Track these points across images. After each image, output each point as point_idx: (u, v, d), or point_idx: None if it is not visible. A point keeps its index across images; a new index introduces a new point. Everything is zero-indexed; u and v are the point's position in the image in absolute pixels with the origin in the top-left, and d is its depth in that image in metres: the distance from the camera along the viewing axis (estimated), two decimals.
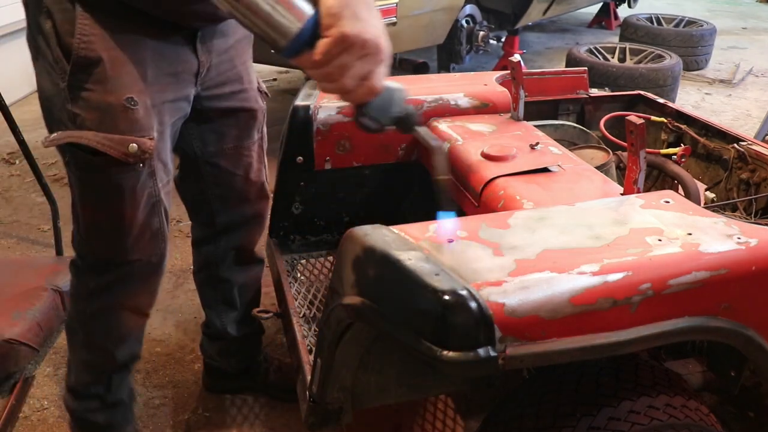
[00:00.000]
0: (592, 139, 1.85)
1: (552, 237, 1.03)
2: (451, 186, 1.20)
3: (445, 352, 0.86)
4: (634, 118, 1.23)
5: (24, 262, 2.56)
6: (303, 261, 1.91)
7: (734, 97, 5.13)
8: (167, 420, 1.91)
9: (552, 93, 2.03)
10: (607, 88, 2.57)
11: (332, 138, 1.76)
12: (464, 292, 0.87)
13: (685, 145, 1.86)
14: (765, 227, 1.08)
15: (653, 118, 1.96)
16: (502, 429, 1.09)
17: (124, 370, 1.61)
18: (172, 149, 1.45)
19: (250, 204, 1.69)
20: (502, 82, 1.90)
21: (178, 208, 3.03)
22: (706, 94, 5.19)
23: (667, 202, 1.16)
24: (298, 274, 1.87)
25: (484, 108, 1.81)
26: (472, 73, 2.16)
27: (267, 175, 1.71)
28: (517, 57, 1.73)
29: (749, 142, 1.73)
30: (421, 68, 4.18)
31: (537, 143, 1.56)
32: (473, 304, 0.86)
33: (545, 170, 1.44)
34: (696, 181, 1.76)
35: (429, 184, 1.74)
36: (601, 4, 7.09)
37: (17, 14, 4.68)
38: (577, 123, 1.98)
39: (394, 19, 3.51)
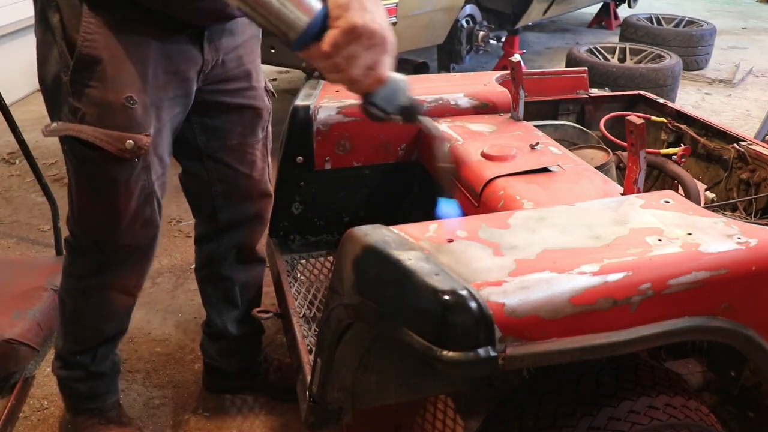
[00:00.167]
0: (592, 139, 1.85)
1: (552, 237, 1.03)
2: (453, 174, 1.22)
3: (444, 352, 0.86)
4: (634, 118, 1.23)
5: (24, 262, 2.56)
6: (303, 261, 1.91)
7: (734, 97, 5.13)
8: (167, 420, 1.91)
9: (552, 93, 2.03)
10: (607, 88, 2.57)
11: (332, 138, 1.76)
12: (464, 292, 0.87)
13: (685, 145, 1.86)
14: (765, 227, 1.08)
15: (653, 118, 1.96)
16: (502, 429, 1.09)
17: (110, 343, 1.67)
18: (173, 142, 1.48)
19: (252, 202, 1.70)
20: (502, 82, 1.90)
21: (178, 208, 3.06)
22: (706, 94, 5.19)
23: (667, 202, 1.16)
24: (298, 274, 1.87)
25: (484, 108, 1.81)
26: (472, 73, 2.16)
27: (271, 174, 1.72)
28: (517, 57, 1.73)
29: (749, 142, 1.73)
30: (421, 68, 4.18)
31: (537, 143, 1.56)
32: (473, 304, 0.86)
33: (545, 170, 1.44)
34: (696, 181, 1.76)
35: (429, 184, 1.74)
36: (601, 4, 7.09)
37: (17, 14, 4.69)
38: (577, 123, 1.98)
39: (394, 19, 3.51)
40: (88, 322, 1.60)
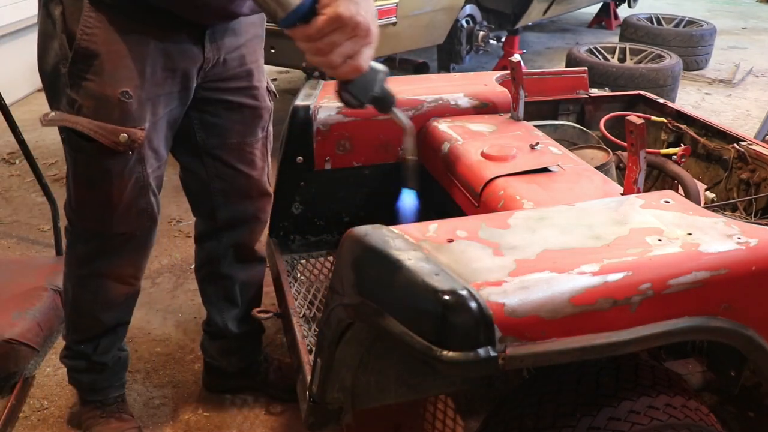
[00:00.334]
0: (592, 139, 1.85)
1: (552, 237, 1.03)
2: (417, 166, 1.32)
3: (444, 352, 0.86)
4: (634, 118, 1.23)
5: (24, 262, 2.56)
6: (303, 261, 1.91)
7: (734, 97, 5.13)
8: (167, 420, 1.91)
9: (552, 93, 2.03)
10: (607, 88, 2.57)
11: (332, 138, 1.76)
12: (464, 292, 0.87)
13: (685, 145, 1.86)
14: (765, 227, 1.08)
15: (653, 118, 1.96)
16: (502, 429, 1.09)
17: (112, 334, 1.69)
18: (172, 136, 1.50)
19: (251, 201, 1.70)
20: (502, 82, 1.90)
21: (178, 208, 3.07)
22: (706, 94, 5.19)
23: (667, 202, 1.16)
24: (298, 274, 1.87)
25: (484, 108, 1.81)
26: (472, 73, 2.16)
27: (270, 174, 1.73)
28: (517, 57, 1.73)
29: (749, 142, 1.73)
30: (421, 68, 4.18)
31: (537, 143, 1.56)
32: (473, 304, 0.86)
33: (545, 170, 1.44)
34: (696, 181, 1.76)
35: (429, 184, 1.74)
36: (601, 4, 7.09)
37: (17, 14, 4.68)
38: (577, 123, 1.98)
39: (394, 19, 3.51)
40: (86, 310, 1.63)
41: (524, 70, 1.78)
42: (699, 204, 1.54)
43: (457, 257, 0.96)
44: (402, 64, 4.22)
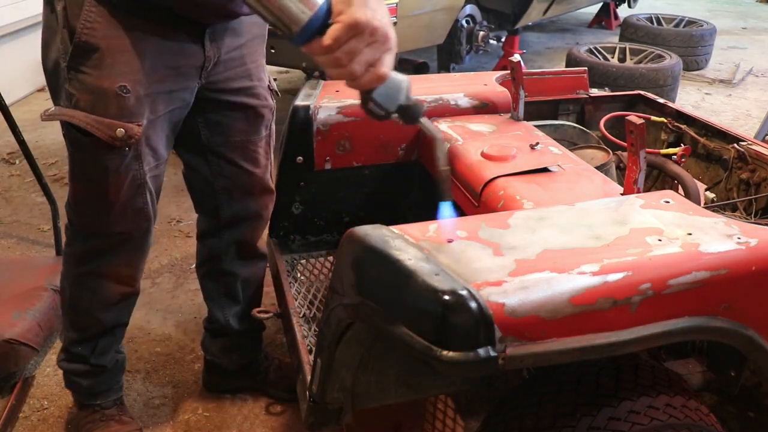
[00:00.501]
0: (592, 139, 1.85)
1: (552, 237, 1.03)
2: (450, 177, 1.25)
3: (444, 352, 0.86)
4: (634, 118, 1.23)
5: (24, 262, 2.56)
6: (303, 261, 1.91)
7: (734, 97, 5.13)
8: (167, 420, 1.91)
9: (552, 93, 2.03)
10: (607, 88, 2.57)
11: (332, 138, 1.76)
12: (464, 292, 0.87)
13: (685, 145, 1.86)
14: (765, 227, 1.08)
15: (653, 118, 1.96)
16: (502, 429, 1.09)
17: (110, 335, 1.68)
18: (174, 137, 1.51)
19: (254, 198, 1.71)
20: (502, 82, 1.90)
21: (178, 208, 3.07)
22: (706, 94, 5.19)
23: (667, 202, 1.16)
24: (298, 274, 1.87)
25: (484, 108, 1.81)
26: (472, 73, 2.16)
27: (272, 172, 1.73)
28: (517, 57, 1.73)
29: (749, 142, 1.73)
30: (421, 68, 4.18)
31: (537, 143, 1.56)
32: (473, 304, 0.86)
33: (545, 170, 1.44)
34: (696, 181, 1.76)
35: (429, 184, 1.74)
36: (601, 4, 7.08)
37: (17, 14, 4.68)
38: (577, 123, 1.98)
39: (394, 19, 3.50)
40: (84, 310, 1.62)
41: (524, 70, 1.78)
42: (699, 204, 1.54)
43: (457, 257, 0.96)
44: (402, 64, 4.22)
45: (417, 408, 1.86)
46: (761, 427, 1.44)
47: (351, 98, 1.71)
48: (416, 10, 3.73)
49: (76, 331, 1.67)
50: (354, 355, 1.13)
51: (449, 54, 4.50)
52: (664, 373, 1.14)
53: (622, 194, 1.29)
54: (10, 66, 4.32)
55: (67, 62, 1.30)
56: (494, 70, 4.08)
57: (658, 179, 1.87)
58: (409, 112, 1.14)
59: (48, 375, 2.07)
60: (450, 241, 1.01)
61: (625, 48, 4.81)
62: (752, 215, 1.61)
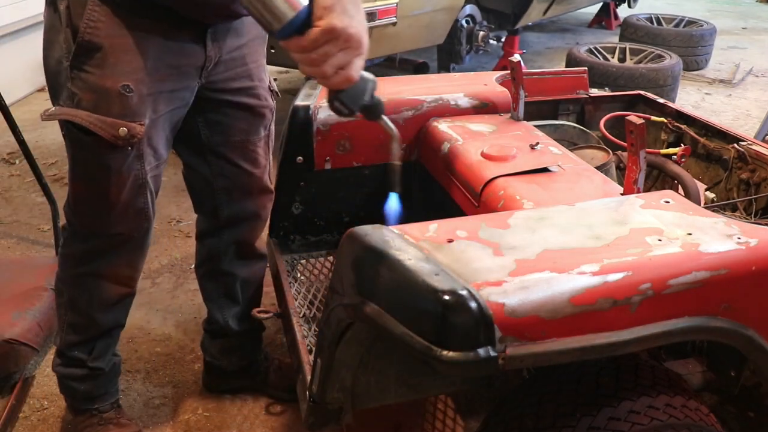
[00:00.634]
0: (592, 139, 1.85)
1: (552, 237, 1.03)
2: (402, 170, 1.38)
3: (444, 352, 0.87)
4: (634, 118, 1.23)
5: (24, 262, 2.56)
6: (303, 261, 1.91)
7: (734, 97, 5.13)
8: (167, 420, 1.91)
9: (552, 93, 2.03)
10: (607, 88, 2.57)
11: (332, 138, 1.76)
12: (464, 292, 0.87)
13: (685, 145, 1.86)
14: (765, 227, 1.08)
15: (653, 118, 1.96)
16: (502, 429, 1.09)
17: (107, 337, 1.68)
18: (174, 137, 1.51)
19: (253, 198, 1.71)
20: (502, 82, 1.90)
21: (178, 208, 3.07)
22: (706, 94, 5.19)
23: (667, 202, 1.16)
24: (298, 274, 1.87)
25: (484, 108, 1.81)
26: (472, 73, 2.16)
27: (271, 172, 1.74)
28: (517, 57, 1.73)
29: (749, 142, 1.73)
30: (421, 68, 4.19)
31: (537, 143, 1.57)
32: (473, 304, 0.86)
33: (545, 170, 1.44)
34: (696, 181, 1.76)
35: (429, 184, 1.74)
36: (601, 4, 7.08)
37: (17, 14, 4.68)
38: (577, 123, 1.98)
39: (394, 19, 3.50)
40: (83, 311, 1.62)
41: (524, 70, 1.78)
42: (699, 204, 1.54)
43: (457, 257, 0.96)
44: (402, 64, 4.22)
45: (417, 408, 1.86)
46: (761, 427, 1.44)
47: None
48: (416, 10, 3.73)
49: (74, 334, 1.65)
50: (354, 355, 1.13)
51: (449, 54, 4.50)
52: (664, 373, 1.14)
53: (622, 194, 1.29)
54: (10, 66, 4.32)
55: (70, 61, 1.30)
56: (494, 70, 4.08)
57: (658, 179, 1.87)
58: (372, 110, 1.24)
59: (48, 375, 2.07)
60: (450, 241, 1.01)
61: (625, 48, 4.81)
62: (752, 215, 1.61)
